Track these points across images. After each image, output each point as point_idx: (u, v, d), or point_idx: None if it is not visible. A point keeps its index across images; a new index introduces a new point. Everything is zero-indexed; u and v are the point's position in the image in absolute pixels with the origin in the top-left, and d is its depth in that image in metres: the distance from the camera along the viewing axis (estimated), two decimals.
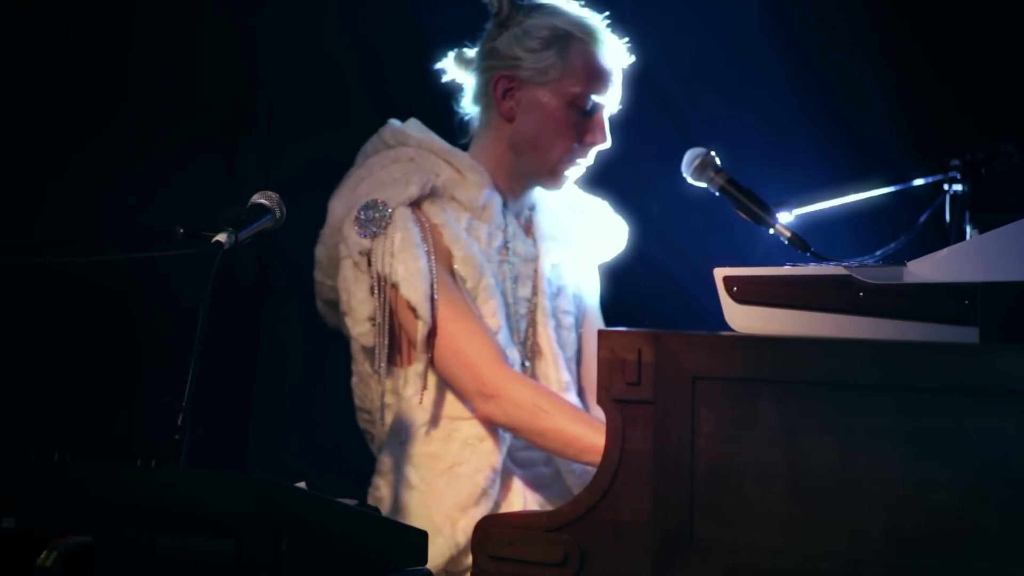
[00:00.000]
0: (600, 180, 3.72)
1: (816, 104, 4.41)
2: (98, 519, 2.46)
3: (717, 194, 3.19)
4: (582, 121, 3.47)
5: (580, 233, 3.64)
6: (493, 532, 2.73)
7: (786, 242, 3.11)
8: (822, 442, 2.49)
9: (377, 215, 3.35)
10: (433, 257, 3.34)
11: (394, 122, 3.55)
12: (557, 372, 3.50)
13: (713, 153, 3.20)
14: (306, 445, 4.26)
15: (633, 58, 3.53)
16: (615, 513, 2.62)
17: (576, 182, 3.61)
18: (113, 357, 4.26)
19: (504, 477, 3.41)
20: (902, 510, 2.44)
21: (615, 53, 3.50)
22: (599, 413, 3.55)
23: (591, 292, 3.70)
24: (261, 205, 2.86)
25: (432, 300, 3.32)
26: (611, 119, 3.53)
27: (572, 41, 3.46)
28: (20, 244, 2.92)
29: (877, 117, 4.36)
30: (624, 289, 3.93)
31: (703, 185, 3.21)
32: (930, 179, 3.31)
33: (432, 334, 3.33)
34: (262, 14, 4.38)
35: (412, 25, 4.22)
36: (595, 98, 3.46)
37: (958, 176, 3.27)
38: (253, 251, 3.48)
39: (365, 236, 3.34)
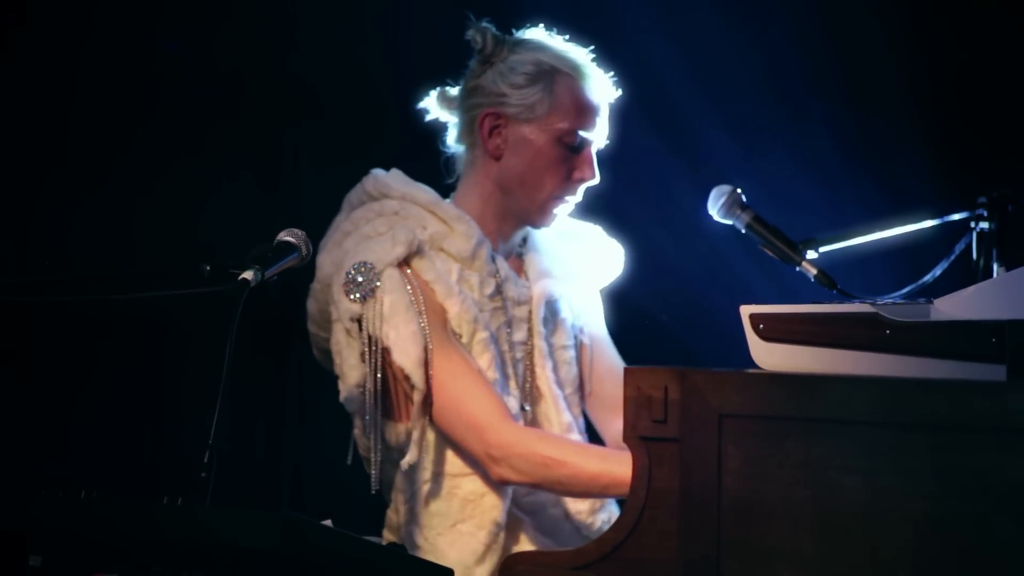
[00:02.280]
0: (626, 216, 3.72)
1: (843, 142, 4.41)
2: (125, 557, 2.47)
3: (744, 231, 3.19)
4: (570, 157, 3.43)
5: (576, 262, 3.60)
6: (519, 570, 2.73)
7: (812, 279, 3.11)
8: (849, 480, 2.48)
9: (365, 279, 3.29)
10: (425, 318, 3.31)
11: (377, 172, 3.49)
12: (558, 413, 3.46)
13: (740, 190, 3.20)
14: (333, 482, 4.26)
15: (620, 92, 3.49)
16: (641, 551, 2.61)
17: (572, 214, 3.58)
18: (141, 394, 4.28)
19: (513, 526, 3.38)
20: (929, 549, 2.43)
21: (602, 88, 3.46)
22: (614, 425, 3.57)
23: (595, 319, 3.65)
24: (287, 243, 2.87)
25: (425, 365, 3.29)
26: (640, 155, 3.51)
27: (558, 76, 3.41)
28: (48, 281, 2.93)
29: (904, 155, 4.36)
30: (650, 326, 3.93)
31: (730, 222, 3.21)
32: (957, 216, 3.30)
33: (430, 397, 3.30)
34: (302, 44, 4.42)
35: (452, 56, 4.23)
36: (583, 134, 3.42)
37: (985, 213, 3.26)
38: (280, 287, 3.50)
39: (355, 300, 3.30)
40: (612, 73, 3.48)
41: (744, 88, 4.49)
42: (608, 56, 3.52)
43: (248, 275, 2.73)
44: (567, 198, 3.47)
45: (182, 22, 4.35)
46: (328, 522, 2.53)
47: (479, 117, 3.45)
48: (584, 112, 3.43)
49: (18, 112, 4.19)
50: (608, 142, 3.49)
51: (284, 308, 3.76)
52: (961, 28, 4.37)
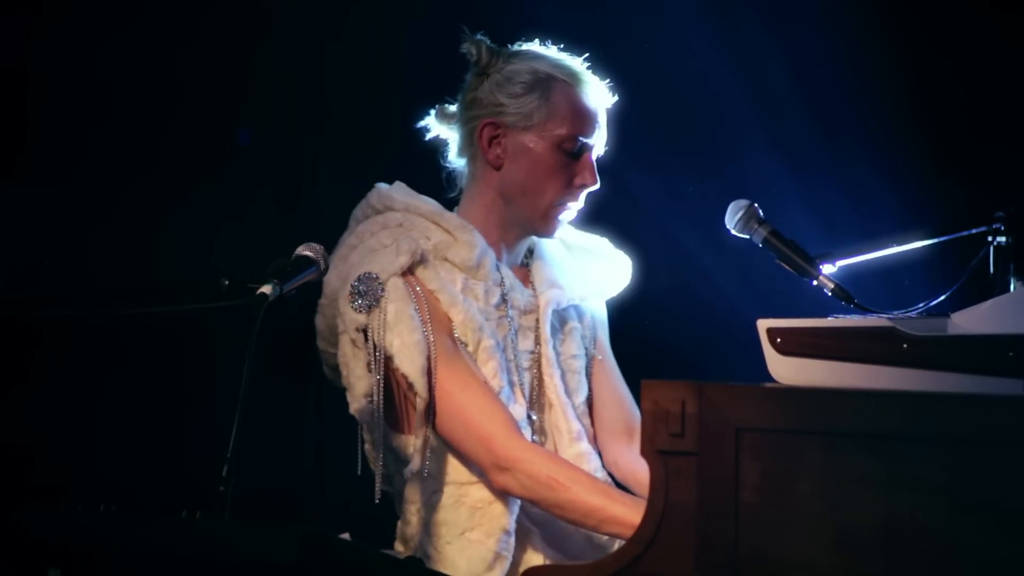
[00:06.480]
0: (643, 230, 3.72)
1: (859, 156, 4.41)
2: (144, 570, 2.47)
3: (761, 245, 3.20)
4: (570, 164, 3.42)
5: (584, 273, 3.61)
6: None
7: (830, 293, 3.11)
8: (867, 494, 2.48)
9: (370, 289, 3.30)
10: (430, 327, 3.31)
11: (381, 186, 3.50)
12: (567, 422, 3.46)
13: (756, 205, 3.21)
14: (352, 495, 4.27)
15: (616, 98, 3.48)
16: (659, 565, 2.61)
17: (572, 223, 3.58)
18: (159, 406, 4.29)
19: (523, 536, 3.37)
20: (947, 564, 2.43)
21: (598, 94, 3.46)
22: (612, 450, 3.58)
23: (601, 330, 3.66)
24: (306, 257, 2.88)
25: (429, 374, 3.30)
26: (658, 168, 3.51)
27: (555, 83, 3.42)
28: (69, 296, 2.95)
29: (921, 169, 4.36)
30: (667, 340, 3.93)
31: (747, 236, 3.21)
32: (974, 231, 3.30)
33: (434, 406, 3.30)
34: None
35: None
36: (582, 139, 3.42)
37: (1002, 228, 3.26)
38: (299, 302, 3.51)
39: (360, 311, 3.31)
40: (608, 80, 3.48)
41: (764, 102, 4.50)
42: (627, 69, 3.52)
43: (267, 289, 2.74)
44: (569, 204, 3.47)
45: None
46: (346, 535, 2.53)
47: (478, 128, 3.45)
48: (582, 118, 3.43)
49: (34, 124, 4.20)
50: (607, 148, 3.49)
51: (303, 322, 3.76)
52: (980, 44, 4.37)
